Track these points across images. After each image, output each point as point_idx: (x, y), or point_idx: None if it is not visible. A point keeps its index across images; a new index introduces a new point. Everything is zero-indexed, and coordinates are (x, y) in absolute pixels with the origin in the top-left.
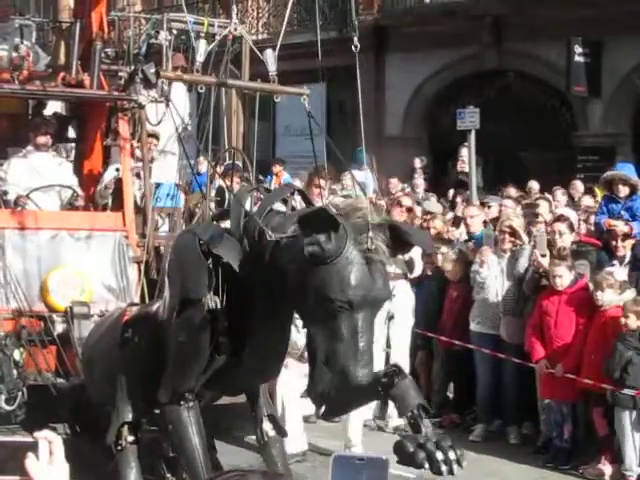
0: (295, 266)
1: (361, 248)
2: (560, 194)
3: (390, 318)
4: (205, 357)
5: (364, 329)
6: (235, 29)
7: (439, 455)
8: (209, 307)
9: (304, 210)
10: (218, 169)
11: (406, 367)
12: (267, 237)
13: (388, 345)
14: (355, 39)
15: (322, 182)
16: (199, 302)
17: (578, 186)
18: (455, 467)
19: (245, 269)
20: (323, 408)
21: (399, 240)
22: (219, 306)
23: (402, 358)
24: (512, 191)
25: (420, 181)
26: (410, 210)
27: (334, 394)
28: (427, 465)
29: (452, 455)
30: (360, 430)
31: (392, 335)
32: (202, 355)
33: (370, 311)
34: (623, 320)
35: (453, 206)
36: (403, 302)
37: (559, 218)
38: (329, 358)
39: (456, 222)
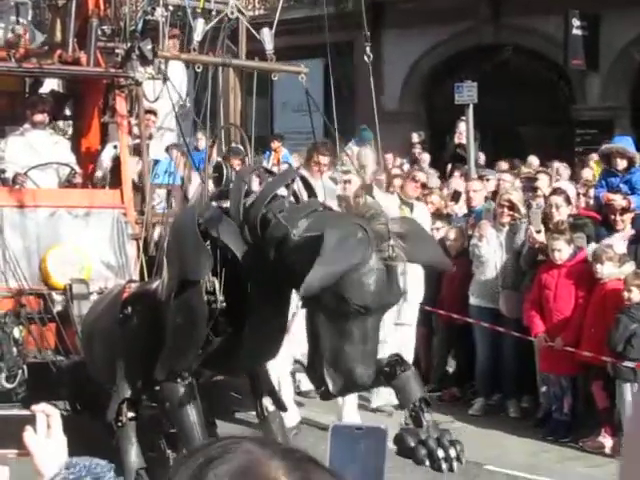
0: (311, 265)
1: (382, 255)
2: (562, 168)
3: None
4: (202, 338)
5: (373, 333)
6: (232, 12)
7: (440, 453)
8: (207, 288)
9: (326, 216)
10: (215, 146)
11: (412, 342)
12: (291, 236)
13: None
14: (367, 49)
15: (322, 158)
16: (197, 283)
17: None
18: (455, 464)
19: (245, 255)
20: (323, 388)
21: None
22: (217, 288)
23: (410, 333)
24: (504, 166)
25: (425, 155)
26: (425, 185)
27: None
28: (428, 462)
29: (453, 452)
30: (355, 403)
31: (402, 310)
32: (199, 336)
33: (381, 314)
34: (626, 294)
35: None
36: (412, 278)
37: (555, 191)
38: (336, 356)
39: (455, 197)
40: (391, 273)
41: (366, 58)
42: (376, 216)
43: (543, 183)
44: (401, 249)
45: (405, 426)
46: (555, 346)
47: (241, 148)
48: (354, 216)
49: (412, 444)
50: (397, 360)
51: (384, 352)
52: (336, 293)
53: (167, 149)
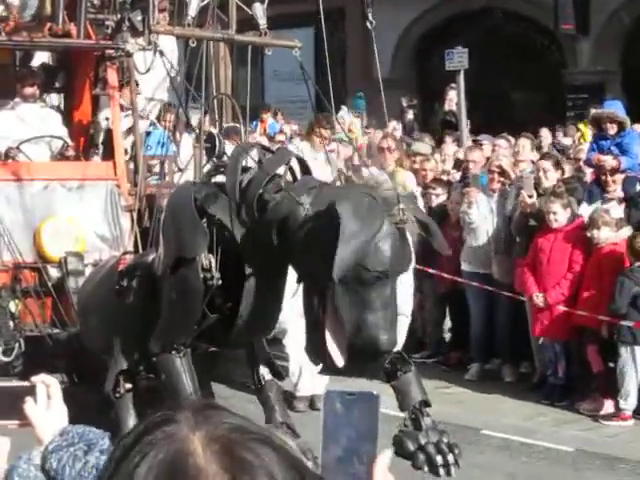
0: (323, 239)
1: (394, 220)
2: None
3: None
4: (198, 314)
5: (391, 298)
6: None
7: (439, 459)
8: (203, 265)
9: (331, 190)
10: (207, 118)
11: (410, 306)
12: (302, 212)
13: None
14: (369, 15)
15: (324, 132)
16: (193, 260)
17: None
18: (453, 470)
19: (241, 232)
20: (321, 365)
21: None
22: (213, 265)
23: (407, 297)
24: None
25: (410, 116)
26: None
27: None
28: (426, 468)
29: (451, 458)
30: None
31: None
32: (195, 312)
33: (396, 279)
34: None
35: (440, 144)
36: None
37: (544, 156)
38: (358, 326)
39: (457, 164)
40: (403, 236)
41: (368, 24)
42: (381, 183)
43: (526, 148)
44: (411, 211)
45: (404, 428)
46: (539, 303)
47: (237, 126)
48: (359, 186)
49: (411, 448)
50: (399, 358)
51: None
52: (355, 261)
53: (158, 118)
